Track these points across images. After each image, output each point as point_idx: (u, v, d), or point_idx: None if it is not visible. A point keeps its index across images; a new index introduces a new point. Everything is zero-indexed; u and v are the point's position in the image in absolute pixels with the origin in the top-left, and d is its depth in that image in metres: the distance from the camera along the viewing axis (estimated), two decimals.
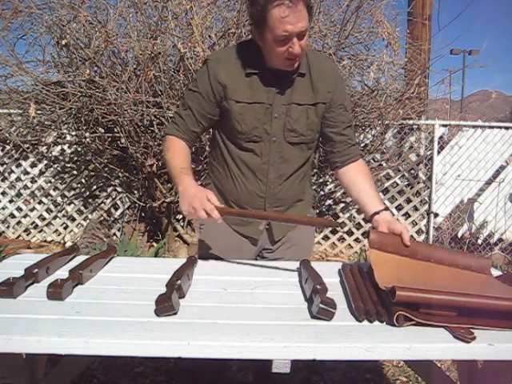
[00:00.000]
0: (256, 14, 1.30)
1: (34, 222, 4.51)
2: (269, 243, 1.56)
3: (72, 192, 4.42)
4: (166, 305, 1.00)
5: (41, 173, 4.43)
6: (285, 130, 1.44)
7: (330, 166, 1.64)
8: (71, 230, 4.48)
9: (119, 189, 4.30)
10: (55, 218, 4.49)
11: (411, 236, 4.44)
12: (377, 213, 1.38)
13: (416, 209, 4.46)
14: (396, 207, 4.46)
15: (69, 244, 4.34)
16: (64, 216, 4.48)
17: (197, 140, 1.59)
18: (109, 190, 4.40)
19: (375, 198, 1.44)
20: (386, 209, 1.40)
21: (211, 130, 1.65)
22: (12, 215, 4.49)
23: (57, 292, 1.09)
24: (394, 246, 1.30)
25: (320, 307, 1.00)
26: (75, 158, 4.34)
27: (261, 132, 1.43)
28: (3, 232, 4.50)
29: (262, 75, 1.40)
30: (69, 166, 4.38)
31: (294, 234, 1.56)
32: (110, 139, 3.54)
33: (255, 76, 1.41)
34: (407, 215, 4.47)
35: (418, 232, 4.48)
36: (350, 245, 4.49)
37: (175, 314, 1.02)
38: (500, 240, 4.48)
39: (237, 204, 1.52)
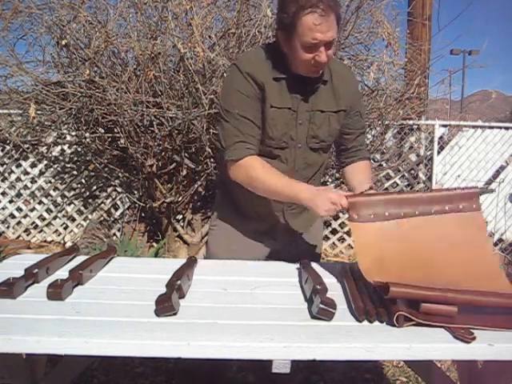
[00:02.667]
0: (286, 19, 1.30)
1: (34, 223, 4.51)
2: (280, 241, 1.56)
3: (72, 192, 4.42)
4: (165, 305, 1.00)
5: (41, 173, 4.43)
6: (308, 137, 1.45)
7: (337, 162, 1.68)
8: (71, 231, 4.47)
9: (119, 189, 4.30)
10: (55, 218, 4.49)
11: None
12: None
13: None
14: None
15: (69, 244, 4.34)
16: (64, 216, 4.48)
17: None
18: (109, 190, 4.40)
19: (365, 183, 1.44)
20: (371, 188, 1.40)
21: None
22: (12, 215, 4.49)
23: (57, 292, 1.09)
24: (373, 204, 1.28)
25: (320, 307, 1.00)
26: (75, 159, 4.34)
27: (288, 138, 1.43)
28: (3, 232, 4.50)
29: (288, 81, 1.39)
30: (69, 166, 4.38)
31: (311, 232, 1.60)
32: (109, 139, 3.54)
33: (283, 81, 1.40)
34: None
35: None
36: (349, 245, 4.49)
37: (175, 314, 1.02)
38: (500, 240, 4.48)
39: (251, 210, 1.53)
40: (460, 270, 1.17)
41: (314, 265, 1.34)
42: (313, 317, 1.03)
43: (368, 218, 1.27)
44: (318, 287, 1.08)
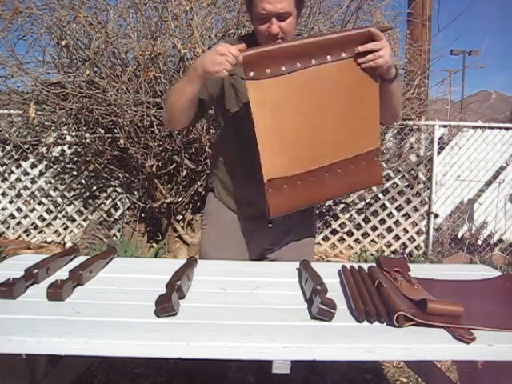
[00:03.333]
0: None
1: (33, 223, 4.51)
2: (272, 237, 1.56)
3: (72, 193, 4.42)
4: (165, 305, 1.00)
5: (41, 173, 4.42)
6: None
7: None
8: (71, 231, 4.47)
9: (119, 189, 4.30)
10: (55, 218, 4.48)
11: None
12: None
13: (416, 209, 4.46)
14: (396, 208, 4.46)
15: (69, 245, 4.33)
16: (64, 217, 4.48)
17: (198, 117, 1.51)
18: (109, 190, 4.40)
19: None
20: None
21: (220, 122, 1.63)
22: (12, 216, 4.49)
23: (57, 293, 1.09)
24: (269, 57, 1.28)
25: (320, 308, 1.00)
26: (75, 159, 4.34)
27: None
28: (3, 233, 4.50)
29: None
30: (69, 166, 4.38)
31: (295, 236, 1.58)
32: (110, 140, 3.54)
33: None
34: (407, 216, 4.47)
35: (418, 232, 4.48)
36: (350, 245, 4.49)
37: (175, 314, 1.02)
38: (500, 241, 4.48)
39: (241, 196, 1.54)
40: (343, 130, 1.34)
41: (314, 265, 1.34)
42: (313, 317, 1.03)
43: (264, 74, 1.28)
44: (318, 287, 1.08)
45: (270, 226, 1.50)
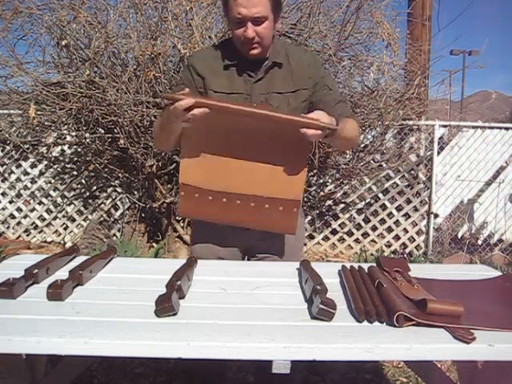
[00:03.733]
0: None
1: (33, 223, 4.51)
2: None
3: (72, 192, 4.42)
4: (165, 305, 1.00)
5: (41, 173, 4.43)
6: None
7: None
8: (71, 231, 4.48)
9: (119, 189, 4.30)
10: (55, 218, 4.49)
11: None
12: None
13: (416, 209, 4.46)
14: (396, 208, 4.46)
15: (69, 244, 4.33)
16: (64, 217, 4.48)
17: None
18: (109, 190, 4.40)
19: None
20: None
21: None
22: (12, 216, 4.49)
23: (57, 293, 1.09)
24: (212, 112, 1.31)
25: (320, 308, 1.00)
26: (75, 159, 4.34)
27: None
28: (3, 232, 4.50)
29: (239, 66, 1.45)
30: (69, 166, 4.38)
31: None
32: (109, 140, 3.54)
33: (233, 68, 1.45)
34: (407, 216, 4.47)
35: (418, 232, 4.48)
36: (350, 245, 4.49)
37: (175, 314, 1.02)
38: (500, 241, 4.48)
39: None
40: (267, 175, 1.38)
41: (314, 265, 1.34)
42: (313, 317, 1.03)
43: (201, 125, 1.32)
44: (318, 287, 1.08)
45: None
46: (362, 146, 4.02)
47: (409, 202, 4.45)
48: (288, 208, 1.43)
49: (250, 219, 1.44)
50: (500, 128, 4.49)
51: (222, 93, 1.44)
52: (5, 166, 4.42)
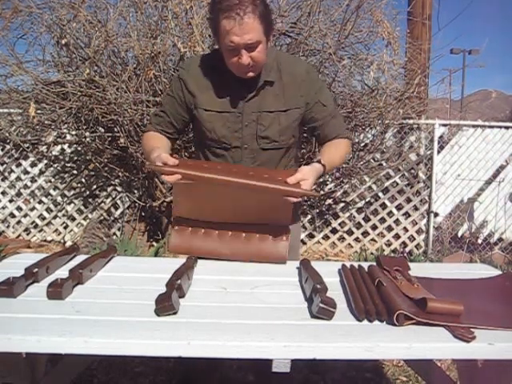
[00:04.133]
0: (211, 22, 1.34)
1: (34, 222, 4.51)
2: None
3: (72, 191, 4.42)
4: (165, 304, 1.00)
5: (41, 172, 4.43)
6: (257, 138, 1.46)
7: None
8: (71, 230, 4.47)
9: (119, 188, 4.30)
10: (55, 217, 4.49)
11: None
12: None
13: (416, 208, 4.46)
14: (396, 207, 4.46)
15: (69, 243, 4.33)
16: (64, 215, 4.48)
17: (176, 139, 1.61)
18: (109, 189, 4.40)
19: (324, 155, 1.46)
20: (319, 161, 1.42)
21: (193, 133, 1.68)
22: (12, 215, 4.49)
23: (57, 291, 1.09)
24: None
25: (320, 307, 1.00)
26: (75, 158, 4.34)
27: (231, 139, 1.46)
28: (3, 231, 4.50)
29: (230, 84, 1.42)
30: (69, 165, 4.38)
31: None
32: (109, 139, 3.54)
33: (224, 85, 1.43)
34: (407, 215, 4.47)
35: (418, 231, 4.48)
36: (350, 244, 4.49)
37: (175, 313, 1.02)
38: (500, 239, 4.48)
39: None
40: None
41: (314, 264, 1.34)
42: (313, 316, 1.03)
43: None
44: (318, 286, 1.08)
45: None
46: (362, 144, 4.02)
47: (409, 200, 4.45)
48: (277, 236, 1.44)
49: (244, 254, 1.44)
50: (500, 127, 4.49)
51: (213, 111, 1.44)
52: (5, 165, 4.42)
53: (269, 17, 1.35)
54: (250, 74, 1.38)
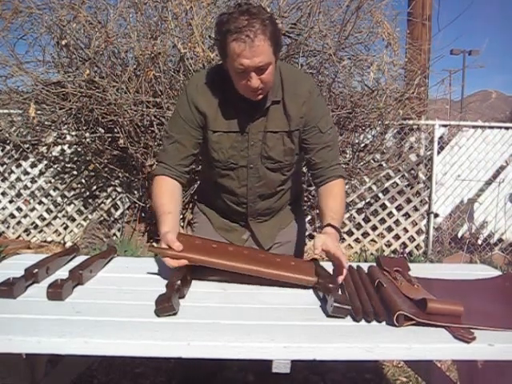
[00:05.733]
0: (218, 44, 1.30)
1: (33, 223, 4.51)
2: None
3: (72, 192, 4.41)
4: (165, 305, 1.01)
5: (41, 173, 4.42)
6: (262, 157, 1.45)
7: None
8: (71, 231, 4.47)
9: (119, 189, 4.29)
10: (55, 218, 4.48)
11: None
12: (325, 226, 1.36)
13: (416, 209, 4.46)
14: (396, 207, 4.46)
15: (69, 244, 4.33)
16: (64, 216, 4.48)
17: (190, 172, 1.51)
18: (109, 190, 4.40)
19: (329, 215, 1.39)
20: (329, 225, 1.35)
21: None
22: (12, 215, 4.49)
23: (57, 292, 1.09)
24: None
25: (334, 306, 1.01)
26: (75, 159, 4.34)
27: (237, 159, 1.44)
28: (3, 232, 4.50)
29: (237, 103, 1.39)
30: (69, 166, 4.38)
31: (285, 232, 1.61)
32: (109, 139, 3.54)
33: (232, 104, 1.40)
34: (407, 215, 4.47)
35: (418, 232, 4.48)
36: (350, 245, 4.49)
37: (175, 314, 1.02)
38: (500, 240, 4.48)
39: (223, 213, 1.60)
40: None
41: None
42: (328, 316, 1.04)
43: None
44: (331, 286, 1.09)
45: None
46: (362, 145, 4.02)
47: (409, 201, 4.45)
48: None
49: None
50: (500, 127, 4.49)
51: (221, 132, 1.41)
52: (5, 166, 4.42)
53: (278, 36, 1.31)
54: (259, 97, 1.35)
